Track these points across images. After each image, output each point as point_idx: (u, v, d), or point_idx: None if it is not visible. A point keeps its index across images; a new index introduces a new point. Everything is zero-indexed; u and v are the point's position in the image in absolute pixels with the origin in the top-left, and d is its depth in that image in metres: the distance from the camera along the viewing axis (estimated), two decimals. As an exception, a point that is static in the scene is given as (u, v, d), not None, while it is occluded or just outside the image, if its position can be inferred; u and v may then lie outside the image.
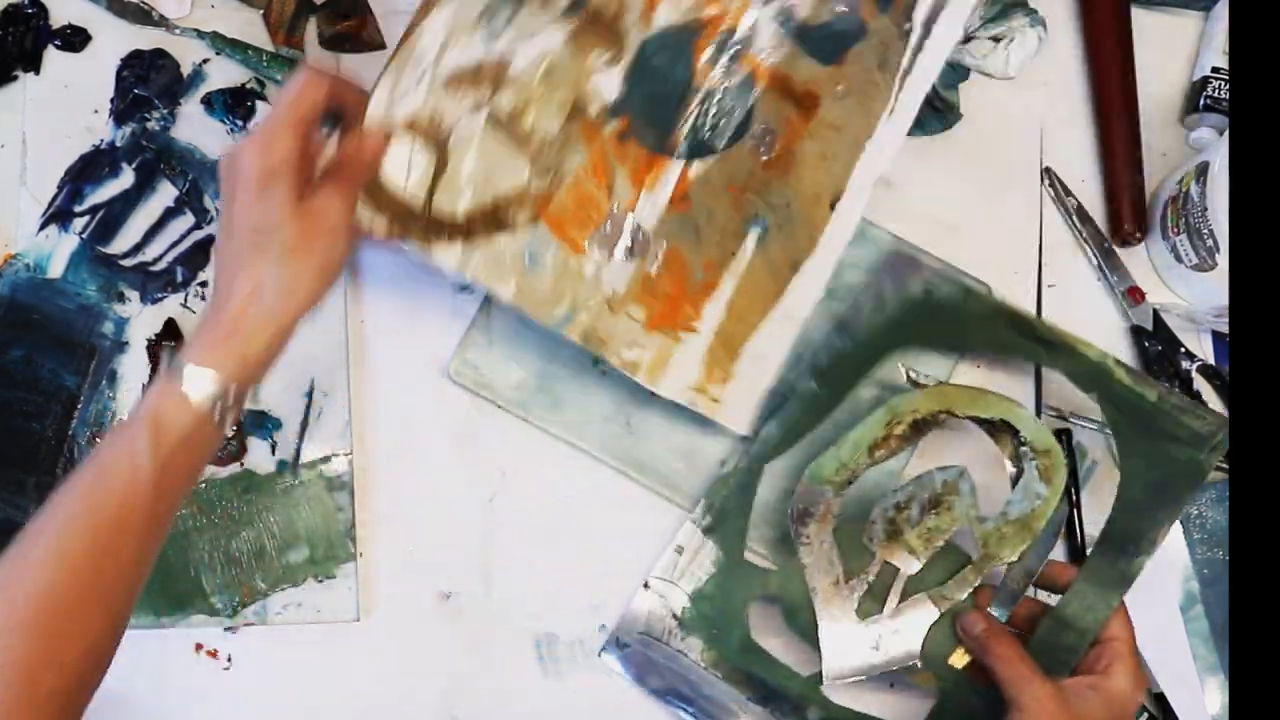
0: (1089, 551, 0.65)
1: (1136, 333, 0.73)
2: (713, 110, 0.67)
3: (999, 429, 0.66)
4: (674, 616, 0.66)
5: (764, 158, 0.67)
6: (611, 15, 0.66)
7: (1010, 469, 0.65)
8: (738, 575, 0.66)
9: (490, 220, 0.64)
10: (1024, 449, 0.65)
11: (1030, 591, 0.64)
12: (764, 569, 0.66)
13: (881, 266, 0.71)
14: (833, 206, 0.68)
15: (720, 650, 0.66)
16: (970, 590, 0.64)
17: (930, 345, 0.69)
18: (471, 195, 0.64)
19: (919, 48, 0.68)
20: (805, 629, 0.65)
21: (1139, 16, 0.77)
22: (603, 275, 0.66)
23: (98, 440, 0.69)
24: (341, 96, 0.57)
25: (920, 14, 0.68)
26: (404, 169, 0.62)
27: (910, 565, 0.64)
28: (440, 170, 0.63)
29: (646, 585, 0.67)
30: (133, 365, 0.70)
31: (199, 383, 0.51)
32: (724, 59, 0.67)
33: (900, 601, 0.64)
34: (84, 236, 0.71)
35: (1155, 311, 0.73)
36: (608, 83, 0.66)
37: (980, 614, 0.63)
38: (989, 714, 0.60)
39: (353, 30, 0.74)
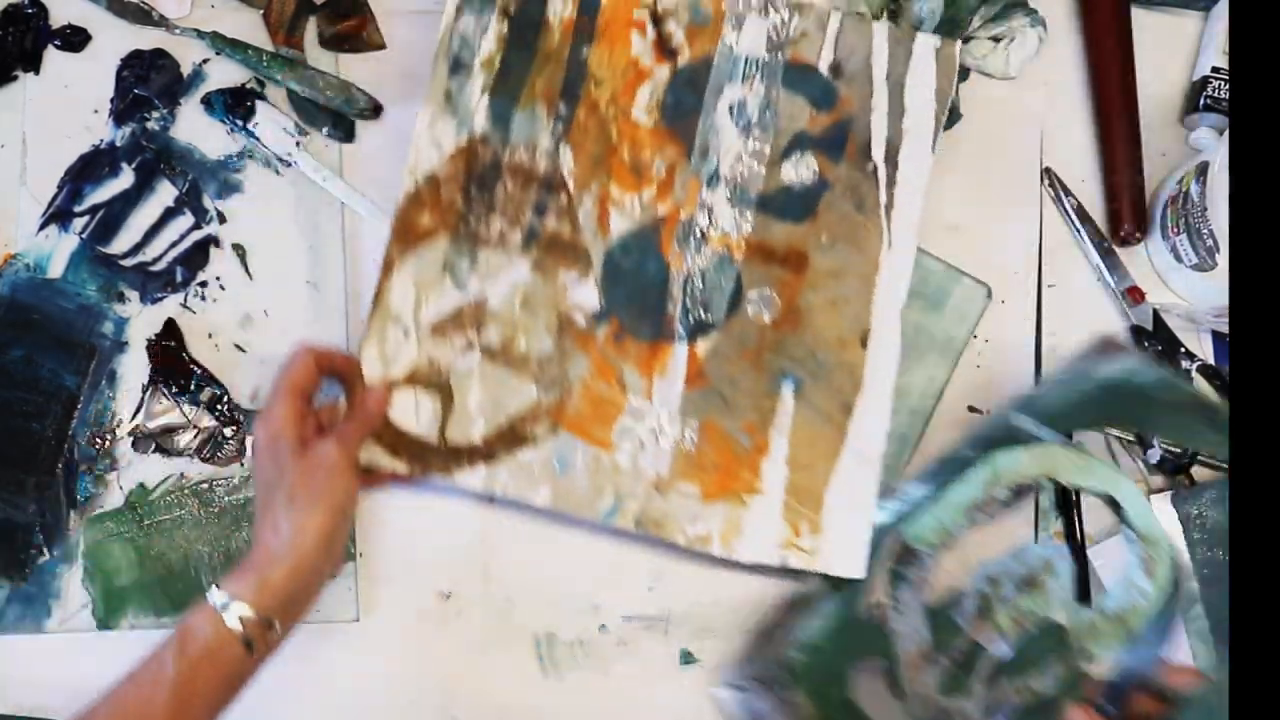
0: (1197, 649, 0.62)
1: (1136, 333, 0.73)
2: (698, 292, 0.68)
3: (1104, 504, 0.63)
4: (782, 665, 0.64)
5: (769, 320, 0.68)
6: (568, 237, 0.67)
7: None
8: (853, 633, 0.64)
9: (509, 439, 0.66)
10: (1128, 530, 0.62)
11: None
12: (880, 629, 0.64)
13: (1085, 349, 0.68)
14: (864, 344, 0.68)
15: (821, 707, 0.63)
16: (1060, 683, 0.61)
17: (1110, 427, 0.67)
18: (484, 422, 0.66)
19: (891, 181, 0.69)
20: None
21: (1139, 16, 0.77)
22: (640, 463, 0.66)
23: (97, 440, 0.69)
24: (332, 364, 0.63)
25: (878, 153, 0.69)
26: (412, 413, 0.65)
27: (998, 647, 0.62)
28: (448, 406, 0.66)
29: (763, 632, 0.66)
30: (133, 365, 0.70)
31: (228, 605, 0.56)
32: (691, 245, 0.68)
33: (984, 686, 0.62)
34: (84, 236, 0.71)
35: (1155, 311, 0.73)
36: (585, 294, 0.67)
37: (1085, 711, 0.59)
38: None
39: (353, 30, 0.74)
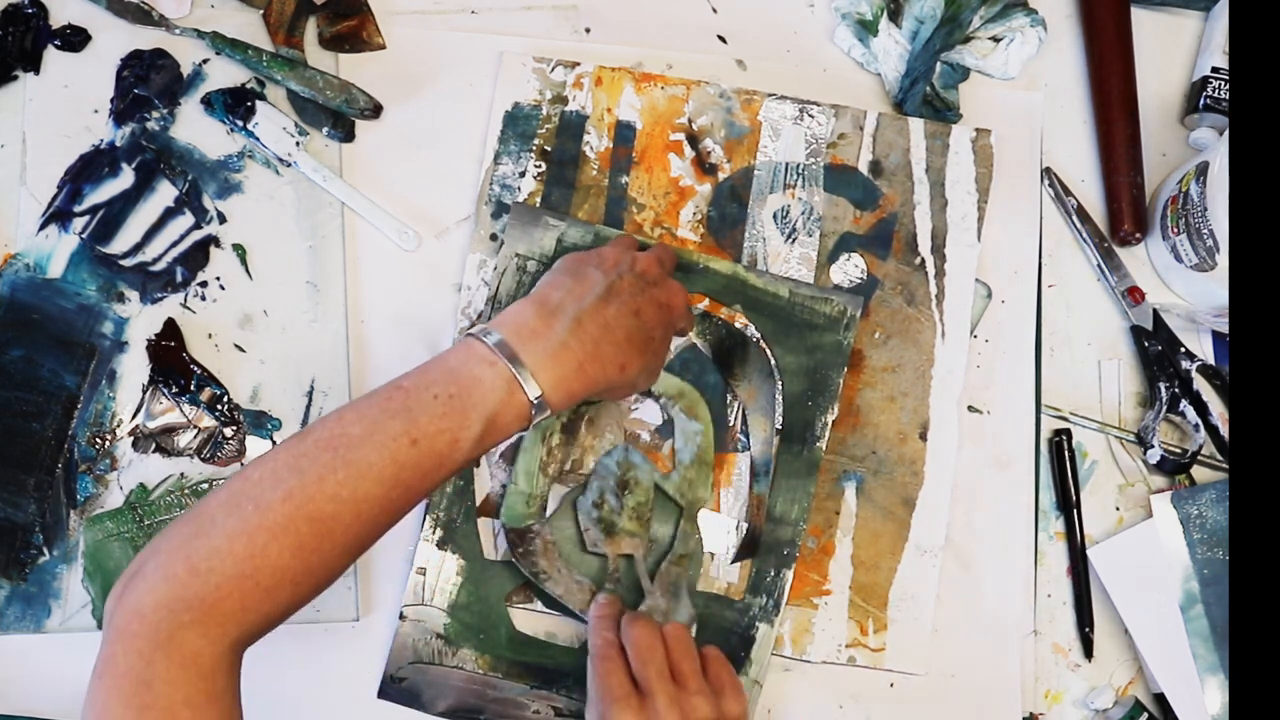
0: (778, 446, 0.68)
1: (1136, 333, 0.73)
2: None
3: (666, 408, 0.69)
4: (439, 636, 0.67)
5: (829, 420, 0.69)
6: None
7: (660, 419, 0.68)
8: (486, 575, 0.67)
9: None
10: (662, 400, 0.68)
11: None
12: (508, 561, 0.67)
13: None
14: (923, 438, 0.69)
15: (492, 651, 0.66)
16: (697, 536, 0.67)
17: None
18: None
19: (940, 272, 0.71)
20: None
21: (1139, 16, 0.77)
22: (710, 574, 0.67)
23: (97, 440, 0.69)
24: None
25: (925, 246, 0.71)
26: (490, 538, 0.67)
27: (639, 548, 0.66)
28: None
29: (402, 616, 0.67)
30: (133, 365, 0.70)
31: (540, 403, 0.56)
32: None
33: (654, 580, 0.66)
34: (84, 236, 0.71)
35: (1155, 311, 0.73)
36: (648, 411, 0.69)
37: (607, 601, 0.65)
38: (742, 617, 0.66)
39: (353, 30, 0.74)
